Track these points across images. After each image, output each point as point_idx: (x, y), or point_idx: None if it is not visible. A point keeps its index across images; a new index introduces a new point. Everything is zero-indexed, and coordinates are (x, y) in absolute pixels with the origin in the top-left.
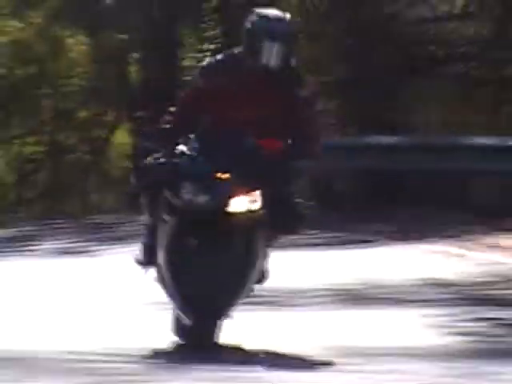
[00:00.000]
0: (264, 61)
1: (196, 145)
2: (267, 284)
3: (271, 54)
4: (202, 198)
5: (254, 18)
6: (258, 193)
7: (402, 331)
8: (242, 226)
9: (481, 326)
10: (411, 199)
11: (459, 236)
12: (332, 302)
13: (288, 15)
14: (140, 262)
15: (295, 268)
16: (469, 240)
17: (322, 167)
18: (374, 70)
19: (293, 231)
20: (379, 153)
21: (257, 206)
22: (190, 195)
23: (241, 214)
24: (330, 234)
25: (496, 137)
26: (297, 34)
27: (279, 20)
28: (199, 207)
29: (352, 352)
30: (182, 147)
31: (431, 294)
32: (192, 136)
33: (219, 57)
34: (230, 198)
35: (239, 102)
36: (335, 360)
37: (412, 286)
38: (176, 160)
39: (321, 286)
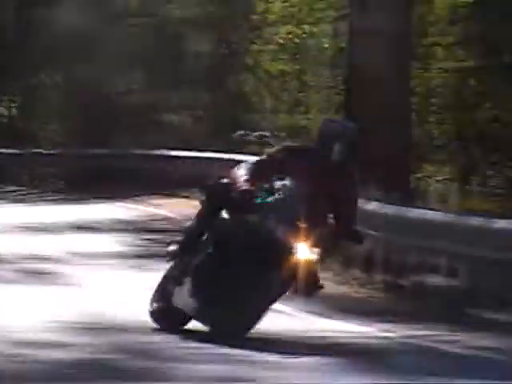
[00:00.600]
0: (333, 157)
1: (288, 190)
2: None
3: (339, 153)
4: (279, 233)
5: (329, 123)
6: (316, 251)
7: (98, 244)
8: (292, 266)
9: (145, 242)
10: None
11: (136, 197)
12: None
13: (353, 124)
14: (170, 255)
15: None
16: (140, 200)
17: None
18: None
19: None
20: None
21: (310, 259)
22: (273, 226)
23: (296, 257)
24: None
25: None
26: (358, 138)
27: (348, 128)
28: (274, 239)
29: None
30: (277, 187)
31: (118, 226)
32: (279, 182)
33: (296, 146)
34: (297, 242)
35: (308, 181)
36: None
37: (108, 222)
38: (265, 195)
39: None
